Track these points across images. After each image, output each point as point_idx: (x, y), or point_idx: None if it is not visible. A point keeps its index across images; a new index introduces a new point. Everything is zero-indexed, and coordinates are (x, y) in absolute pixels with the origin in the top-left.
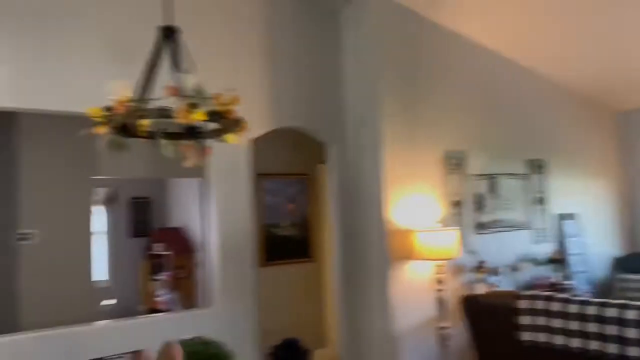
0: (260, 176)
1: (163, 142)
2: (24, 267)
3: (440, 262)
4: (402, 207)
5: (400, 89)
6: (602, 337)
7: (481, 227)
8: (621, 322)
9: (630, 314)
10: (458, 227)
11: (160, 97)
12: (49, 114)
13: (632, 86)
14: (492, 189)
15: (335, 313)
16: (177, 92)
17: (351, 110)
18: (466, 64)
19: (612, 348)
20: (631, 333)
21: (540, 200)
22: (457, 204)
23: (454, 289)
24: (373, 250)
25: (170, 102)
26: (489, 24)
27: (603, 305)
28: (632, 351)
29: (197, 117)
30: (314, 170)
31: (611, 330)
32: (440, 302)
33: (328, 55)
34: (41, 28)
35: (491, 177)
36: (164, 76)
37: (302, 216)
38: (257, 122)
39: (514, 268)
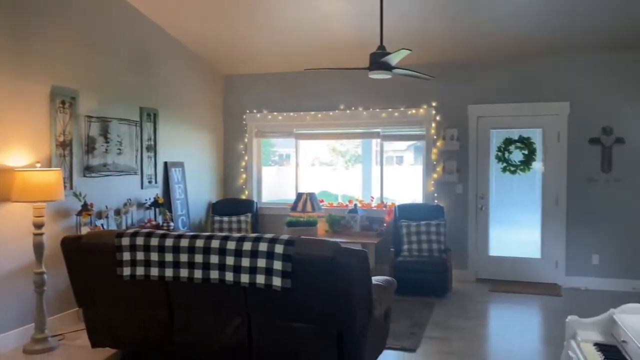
0: None
1: None
2: None
3: (39, 205)
4: None
5: (4, 13)
6: (191, 265)
7: (90, 170)
8: (206, 250)
9: (214, 243)
10: (62, 169)
11: None
12: None
13: (237, 55)
14: (104, 132)
15: None
16: None
17: None
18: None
19: (197, 274)
20: (214, 259)
21: (150, 148)
22: (64, 145)
23: (56, 232)
24: None
25: None
26: None
27: (194, 237)
28: (213, 274)
29: None
30: None
31: (199, 258)
32: (38, 247)
33: None
34: None
35: (104, 120)
36: None
37: None
38: None
39: (121, 211)
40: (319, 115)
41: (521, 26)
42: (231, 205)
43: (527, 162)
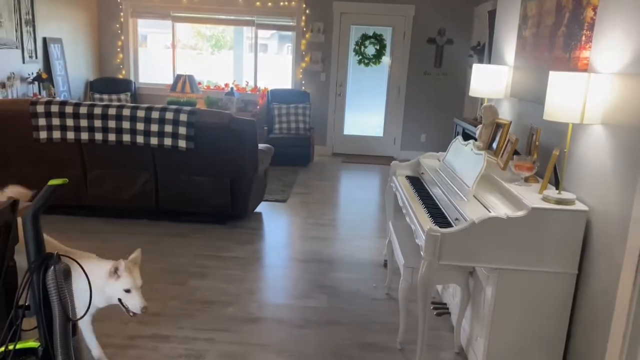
0: None
1: None
2: None
3: None
4: None
5: None
6: (105, 130)
7: None
8: (119, 117)
9: (125, 111)
10: None
11: None
12: None
13: None
14: None
15: None
16: None
17: None
18: None
19: (111, 137)
20: (126, 125)
21: (29, 22)
22: None
23: None
24: None
25: None
26: None
27: (106, 106)
28: (125, 137)
29: None
30: None
31: (112, 124)
32: None
33: None
34: None
35: None
36: None
37: None
38: None
39: (6, 84)
40: (196, 0)
41: None
42: (109, 84)
43: (378, 56)
